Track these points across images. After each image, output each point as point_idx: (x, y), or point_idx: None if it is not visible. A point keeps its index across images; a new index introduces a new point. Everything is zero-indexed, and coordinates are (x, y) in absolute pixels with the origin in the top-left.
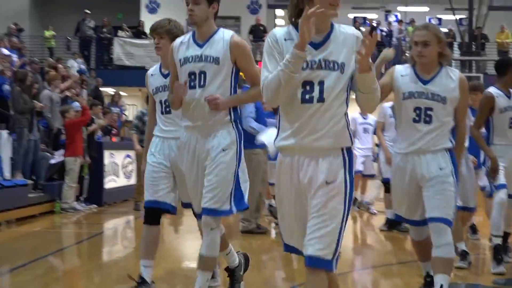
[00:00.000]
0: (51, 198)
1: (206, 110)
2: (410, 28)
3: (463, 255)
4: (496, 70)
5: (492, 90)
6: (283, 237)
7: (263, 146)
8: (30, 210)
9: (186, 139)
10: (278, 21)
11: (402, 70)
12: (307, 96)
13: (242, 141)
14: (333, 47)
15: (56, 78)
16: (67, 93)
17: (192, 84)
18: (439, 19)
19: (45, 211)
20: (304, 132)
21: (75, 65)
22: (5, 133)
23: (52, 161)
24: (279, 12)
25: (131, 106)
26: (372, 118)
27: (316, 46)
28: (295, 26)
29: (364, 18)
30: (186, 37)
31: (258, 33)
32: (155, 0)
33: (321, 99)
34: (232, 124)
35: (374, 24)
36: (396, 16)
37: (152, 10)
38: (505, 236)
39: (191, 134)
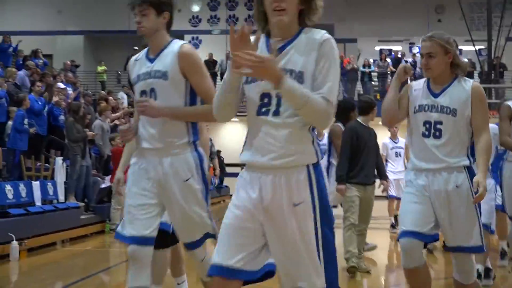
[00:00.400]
0: (102, 219)
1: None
2: None
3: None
4: None
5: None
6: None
7: None
8: (82, 231)
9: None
10: None
11: (416, 85)
12: (263, 109)
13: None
14: (292, 54)
15: (107, 109)
16: (117, 122)
17: None
18: (460, 50)
19: (96, 231)
20: (261, 148)
21: (124, 97)
22: (59, 159)
23: (103, 185)
24: None
25: None
26: (402, 141)
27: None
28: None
29: (390, 50)
30: (140, 54)
31: None
32: (197, 37)
33: (276, 113)
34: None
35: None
36: (419, 48)
37: (195, 45)
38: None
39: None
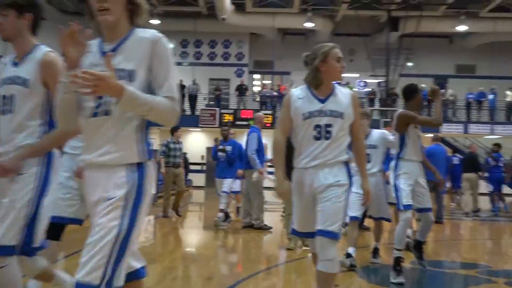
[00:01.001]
0: None
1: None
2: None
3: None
4: (404, 96)
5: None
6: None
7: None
8: None
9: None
10: (256, 82)
11: (299, 94)
12: (97, 110)
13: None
14: (124, 54)
15: None
16: None
17: (1, 109)
18: (365, 82)
19: None
20: (91, 147)
21: None
22: None
23: None
24: (256, 76)
25: (151, 139)
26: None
27: (104, 54)
28: None
29: None
30: (7, 57)
31: (242, 90)
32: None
33: (107, 113)
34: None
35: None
36: None
37: None
38: (419, 244)
39: None
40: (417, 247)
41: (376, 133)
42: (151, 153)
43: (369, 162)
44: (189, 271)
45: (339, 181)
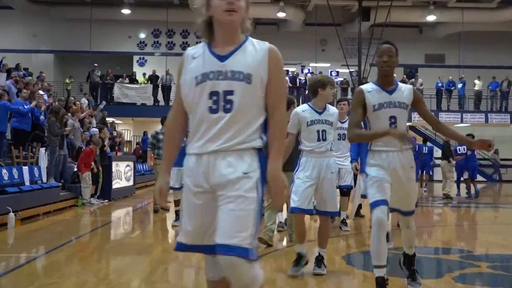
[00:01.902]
0: (75, 196)
1: None
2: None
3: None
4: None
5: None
6: None
7: None
8: (60, 204)
9: None
10: None
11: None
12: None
13: None
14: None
15: (77, 111)
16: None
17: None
18: (337, 72)
19: (71, 205)
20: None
21: (86, 102)
22: (43, 149)
23: (75, 170)
24: None
25: (126, 130)
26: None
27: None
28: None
29: (287, 71)
30: None
31: None
32: (143, 57)
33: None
34: None
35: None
36: (309, 69)
37: (141, 64)
38: (410, 258)
39: None
40: (407, 262)
41: None
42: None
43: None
44: (180, 262)
45: (247, 173)
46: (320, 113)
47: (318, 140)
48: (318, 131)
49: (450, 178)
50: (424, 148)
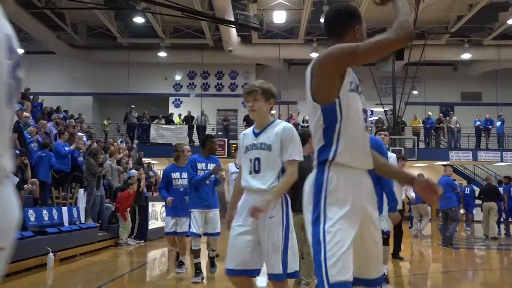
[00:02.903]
0: (112, 236)
1: None
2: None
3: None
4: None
5: None
6: None
7: None
8: (98, 245)
9: None
10: None
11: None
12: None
13: None
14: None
15: (115, 152)
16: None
17: None
18: (372, 111)
19: (108, 245)
20: None
21: (124, 142)
22: (81, 191)
23: (112, 209)
24: None
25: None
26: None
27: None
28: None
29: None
30: None
31: (250, 120)
32: (179, 99)
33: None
34: None
35: None
36: None
37: (177, 105)
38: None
39: None
40: None
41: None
42: None
43: None
44: None
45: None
46: None
47: None
48: None
49: (494, 219)
50: (465, 189)
